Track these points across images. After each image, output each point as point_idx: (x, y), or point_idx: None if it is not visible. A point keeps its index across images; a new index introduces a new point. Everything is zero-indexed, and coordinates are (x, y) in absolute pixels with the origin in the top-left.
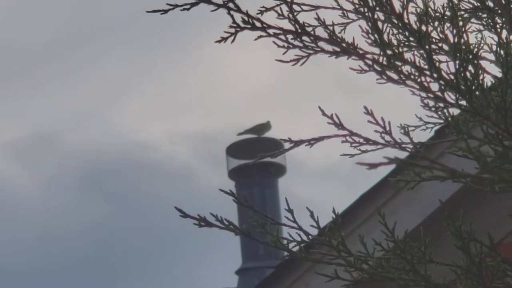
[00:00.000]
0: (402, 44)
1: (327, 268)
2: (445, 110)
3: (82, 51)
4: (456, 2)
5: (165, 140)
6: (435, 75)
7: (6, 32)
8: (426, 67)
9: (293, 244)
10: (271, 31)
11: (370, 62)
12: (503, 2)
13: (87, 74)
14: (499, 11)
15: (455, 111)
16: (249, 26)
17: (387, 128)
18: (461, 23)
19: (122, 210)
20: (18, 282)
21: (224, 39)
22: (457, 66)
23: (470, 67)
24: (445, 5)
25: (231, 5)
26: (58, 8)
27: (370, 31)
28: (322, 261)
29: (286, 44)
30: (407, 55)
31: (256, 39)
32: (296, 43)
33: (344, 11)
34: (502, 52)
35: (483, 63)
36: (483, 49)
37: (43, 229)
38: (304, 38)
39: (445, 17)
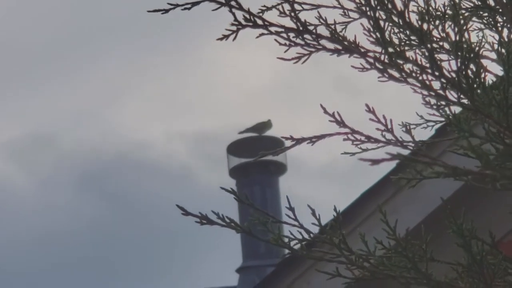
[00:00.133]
0: (403, 43)
1: (328, 266)
2: (446, 108)
3: (82, 51)
4: (457, 1)
5: (164, 139)
6: (436, 73)
7: (6, 32)
8: (427, 65)
9: (294, 242)
10: (272, 29)
11: (371, 60)
12: (504, 0)
13: (87, 74)
14: (500, 10)
15: (456, 109)
16: (250, 24)
17: (389, 126)
18: (462, 21)
19: (121, 210)
20: (16, 282)
21: (226, 36)
22: (458, 64)
23: (471, 66)
24: (446, 3)
25: (233, 3)
26: (58, 8)
27: (371, 29)
28: (324, 259)
29: (287, 42)
30: (409, 54)
31: (257, 37)
32: (298, 41)
33: (345, 10)
34: (503, 50)
35: (484, 61)
36: (484, 48)
37: (41, 228)
38: (306, 36)
39: (446, 16)
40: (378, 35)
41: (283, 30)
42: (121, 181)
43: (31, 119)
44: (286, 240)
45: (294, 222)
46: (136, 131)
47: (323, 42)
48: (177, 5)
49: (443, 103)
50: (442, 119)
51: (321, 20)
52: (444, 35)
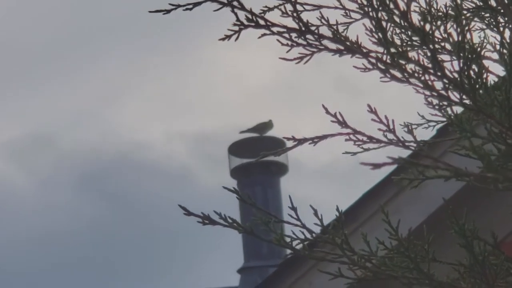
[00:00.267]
0: (405, 43)
1: (330, 266)
2: (448, 109)
3: (82, 51)
4: (459, 1)
5: (164, 140)
6: (439, 74)
7: (6, 32)
8: (430, 65)
9: (296, 242)
10: (275, 29)
11: (373, 61)
12: (506, 1)
13: (87, 74)
14: (502, 11)
15: (458, 110)
16: (253, 24)
17: (391, 126)
18: (464, 22)
19: (121, 210)
20: (16, 282)
21: (228, 37)
22: (461, 65)
23: (474, 66)
24: (448, 4)
25: (235, 3)
26: (58, 8)
27: (373, 29)
28: (326, 259)
29: (290, 42)
30: (411, 54)
31: (259, 37)
32: (300, 41)
33: (347, 11)
34: (505, 51)
35: (486, 62)
36: (486, 48)
37: (41, 228)
38: (308, 36)
39: (448, 16)
40: (380, 36)
41: (285, 30)
42: (121, 181)
43: (31, 119)
44: (288, 240)
45: (296, 222)
46: (136, 131)
47: (325, 42)
48: (178, 6)
49: (445, 103)
50: (443, 119)
51: (323, 21)
52: (446, 35)
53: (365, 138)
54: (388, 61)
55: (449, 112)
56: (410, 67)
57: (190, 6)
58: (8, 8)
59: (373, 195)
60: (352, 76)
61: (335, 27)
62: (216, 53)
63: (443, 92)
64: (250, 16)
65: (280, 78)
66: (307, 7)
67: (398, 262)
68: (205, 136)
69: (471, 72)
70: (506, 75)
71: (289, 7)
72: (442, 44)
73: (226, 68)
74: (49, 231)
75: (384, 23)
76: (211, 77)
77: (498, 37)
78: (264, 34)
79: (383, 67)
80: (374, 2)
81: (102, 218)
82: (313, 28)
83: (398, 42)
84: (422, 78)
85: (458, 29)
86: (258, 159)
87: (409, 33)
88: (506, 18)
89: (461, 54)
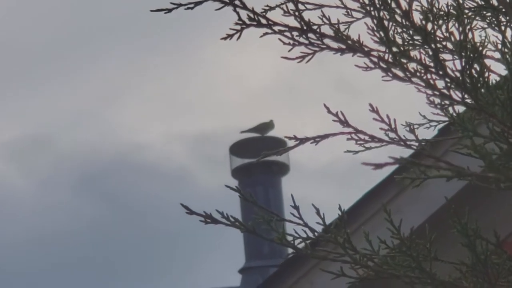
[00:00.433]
0: (407, 42)
1: (332, 265)
2: (450, 108)
3: (82, 51)
4: (461, 0)
5: (164, 140)
6: (441, 73)
7: (6, 32)
8: (431, 64)
9: (298, 241)
10: (276, 28)
11: (375, 60)
12: (507, 0)
13: (87, 74)
14: (503, 10)
15: (460, 109)
16: (254, 23)
17: (392, 126)
18: (466, 21)
19: (120, 211)
20: (16, 282)
21: (230, 36)
22: (463, 64)
23: (475, 65)
24: (449, 3)
25: (237, 2)
26: (58, 8)
27: (375, 28)
28: (328, 259)
29: (291, 41)
30: (413, 53)
31: (261, 36)
32: (302, 40)
33: (348, 10)
34: (507, 50)
35: (488, 61)
36: (487, 47)
37: (41, 229)
38: (310, 35)
39: (450, 15)
40: (382, 34)
41: (287, 29)
42: (120, 182)
43: (31, 119)
44: (290, 239)
45: (298, 220)
46: (136, 131)
47: (327, 41)
48: (180, 5)
49: (447, 102)
50: (445, 119)
51: (325, 20)
52: (447, 34)
53: (366, 138)
54: (390, 60)
55: (451, 111)
56: (412, 66)
57: (192, 5)
58: (8, 8)
59: (375, 194)
60: (353, 76)
61: (336, 26)
62: (217, 53)
63: (445, 91)
64: (252, 15)
65: (281, 79)
66: (308, 6)
67: (400, 261)
68: (205, 137)
69: (473, 71)
70: (508, 74)
71: (291, 6)
72: (444, 43)
73: (227, 68)
74: (48, 231)
75: (386, 22)
76: (212, 77)
77: (500, 36)
78: (266, 33)
79: (385, 66)
80: (376, 1)
81: (102, 218)
82: (314, 27)
83: (399, 41)
84: (424, 77)
85: (460, 28)
86: (259, 159)
87: (411, 32)
88: (507, 17)
89: (463, 53)
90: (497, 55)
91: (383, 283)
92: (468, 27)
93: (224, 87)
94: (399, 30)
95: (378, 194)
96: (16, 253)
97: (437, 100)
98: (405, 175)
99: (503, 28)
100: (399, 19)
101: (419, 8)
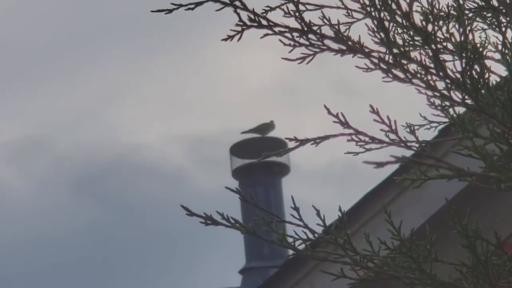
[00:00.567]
0: (407, 43)
1: (333, 266)
2: (450, 109)
3: (82, 51)
4: (461, 1)
5: (164, 141)
6: (441, 74)
7: (6, 32)
8: (432, 65)
9: (298, 242)
10: (277, 29)
11: (376, 61)
12: (508, 1)
13: (87, 74)
14: (504, 11)
15: (461, 110)
16: (255, 24)
17: (393, 127)
18: (466, 22)
19: (119, 211)
20: (16, 282)
21: (231, 37)
22: (463, 65)
23: (476, 66)
24: (450, 4)
25: (237, 3)
26: (58, 8)
27: (376, 29)
28: (328, 260)
29: (292, 42)
30: (413, 54)
31: (262, 37)
32: (302, 41)
33: (349, 11)
34: (507, 51)
35: (488, 62)
36: (488, 48)
37: (40, 229)
38: (310, 36)
39: (450, 16)
40: (383, 35)
41: (287, 30)
42: (120, 183)
43: (30, 120)
44: (291, 240)
45: (298, 222)
46: (136, 132)
47: (327, 42)
48: (180, 5)
49: (447, 103)
50: (445, 120)
51: (325, 21)
52: (448, 35)
53: (367, 139)
54: (391, 61)
55: (451, 112)
56: (412, 67)
57: (192, 6)
58: (8, 8)
59: (375, 195)
60: (353, 77)
61: (337, 27)
62: (217, 53)
63: (445, 92)
64: (252, 16)
65: (281, 80)
66: (309, 7)
67: (400, 262)
68: (205, 137)
69: (473, 72)
70: (508, 75)
71: (291, 7)
72: (444, 44)
73: (227, 68)
74: (48, 232)
75: (386, 23)
76: (212, 78)
77: (500, 37)
78: (267, 34)
79: (385, 67)
80: (376, 2)
81: (101, 219)
82: (315, 28)
83: (400, 42)
84: (424, 78)
85: (460, 29)
86: (260, 160)
87: (411, 33)
88: (508, 18)
89: (463, 54)
90: (498, 56)
91: (383, 284)
92: (469, 28)
93: (224, 87)
94: (400, 31)
95: (378, 195)
96: (16, 253)
97: (437, 101)
98: (406, 176)
99: (503, 29)
100: (399, 20)
101: (419, 9)
